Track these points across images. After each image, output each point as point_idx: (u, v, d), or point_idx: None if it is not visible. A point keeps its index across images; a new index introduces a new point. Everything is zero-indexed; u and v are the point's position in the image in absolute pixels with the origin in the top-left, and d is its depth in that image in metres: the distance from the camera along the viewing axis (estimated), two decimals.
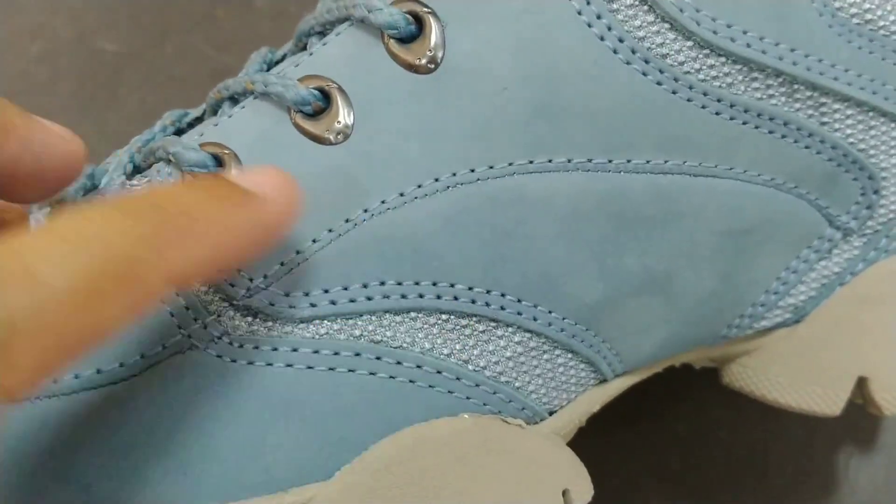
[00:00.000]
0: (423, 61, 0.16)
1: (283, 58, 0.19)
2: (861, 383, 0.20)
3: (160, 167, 0.17)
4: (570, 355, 0.18)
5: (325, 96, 0.16)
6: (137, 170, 0.18)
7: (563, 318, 0.17)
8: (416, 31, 0.16)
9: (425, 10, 0.16)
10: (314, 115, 0.16)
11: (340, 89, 0.16)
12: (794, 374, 0.20)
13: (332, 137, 0.16)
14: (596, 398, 0.19)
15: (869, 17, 0.18)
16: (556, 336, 0.18)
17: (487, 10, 0.16)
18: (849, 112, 0.18)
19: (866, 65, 0.18)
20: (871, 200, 0.19)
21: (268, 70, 0.18)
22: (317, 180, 0.16)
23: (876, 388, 0.20)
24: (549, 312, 0.17)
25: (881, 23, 0.18)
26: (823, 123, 0.18)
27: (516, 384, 0.18)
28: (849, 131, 0.18)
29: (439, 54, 0.16)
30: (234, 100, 0.18)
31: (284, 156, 0.16)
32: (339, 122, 0.16)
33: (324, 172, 0.16)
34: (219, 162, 0.16)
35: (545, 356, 0.18)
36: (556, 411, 0.19)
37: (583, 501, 0.18)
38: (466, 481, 0.17)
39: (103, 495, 0.15)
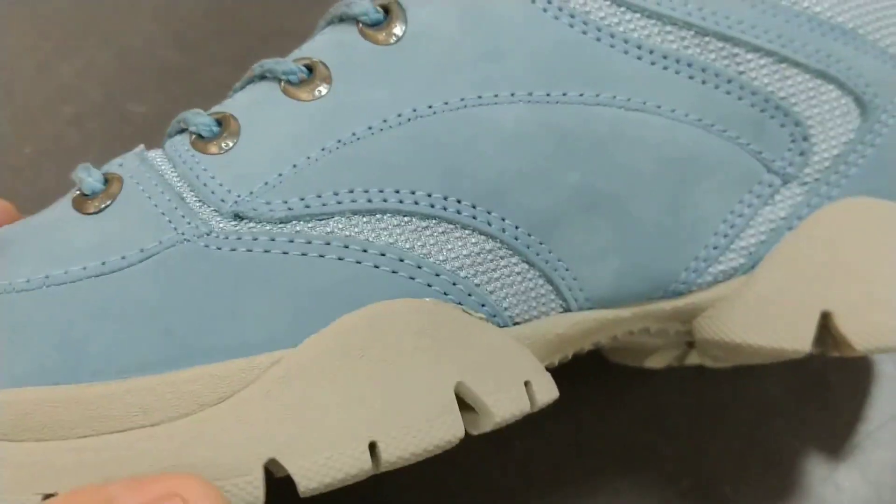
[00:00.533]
0: (390, 39, 0.20)
1: None
2: (826, 319, 0.21)
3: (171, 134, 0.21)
4: (526, 265, 0.19)
5: (310, 70, 0.20)
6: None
7: (516, 227, 0.19)
8: (383, 17, 0.21)
9: (392, 2, 0.21)
10: (299, 83, 0.20)
11: (322, 63, 0.20)
12: (759, 315, 0.21)
13: (311, 98, 0.20)
14: (561, 323, 0.19)
15: None
16: (510, 242, 0.19)
17: None
18: (762, 62, 0.21)
19: (772, 25, 0.21)
20: (803, 147, 0.21)
21: None
22: (295, 123, 0.19)
23: (841, 321, 0.21)
24: (502, 219, 0.19)
25: None
26: (740, 73, 0.20)
27: (475, 281, 0.19)
28: (766, 80, 0.21)
29: (401, 30, 0.20)
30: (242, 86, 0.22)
31: (271, 111, 0.20)
32: (319, 89, 0.20)
33: (303, 118, 0.19)
34: (220, 123, 0.20)
35: (502, 261, 0.19)
36: (520, 323, 0.19)
37: (546, 397, 0.18)
38: (424, 353, 0.17)
39: (93, 359, 0.16)
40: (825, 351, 0.22)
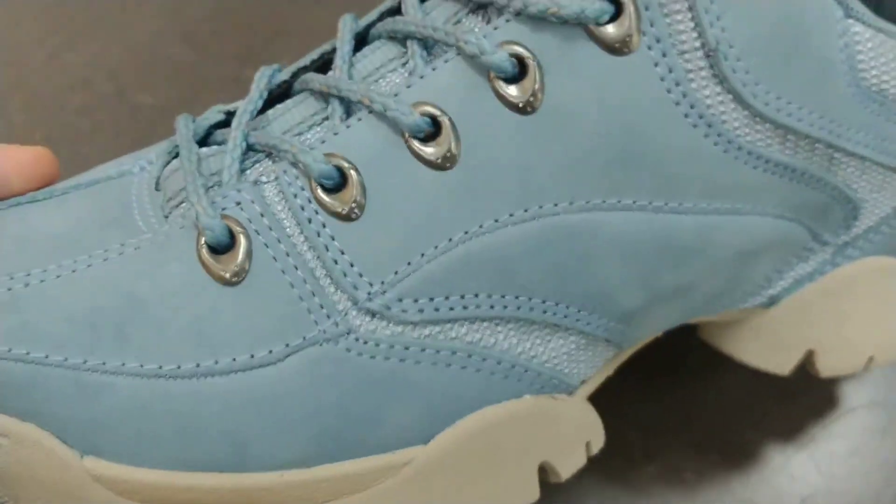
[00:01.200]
0: (523, 103, 0.19)
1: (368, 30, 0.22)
2: (809, 354, 0.26)
3: (287, 168, 0.20)
4: (606, 344, 0.22)
5: (435, 123, 0.20)
6: (251, 147, 0.21)
7: (609, 321, 0.22)
8: (518, 73, 0.20)
9: (528, 56, 0.19)
10: (425, 139, 0.20)
11: (450, 120, 0.20)
12: (759, 341, 0.26)
13: (441, 163, 0.20)
14: (613, 363, 0.24)
15: (884, 87, 0.21)
16: (600, 334, 0.22)
17: (582, 66, 0.19)
18: (852, 163, 0.22)
19: (873, 125, 0.22)
20: (850, 223, 0.24)
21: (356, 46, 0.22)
22: (427, 201, 0.19)
23: (819, 359, 0.26)
24: (599, 318, 0.21)
25: (891, 91, 0.22)
26: (830, 171, 0.22)
27: (565, 370, 0.22)
28: (849, 177, 0.22)
29: (539, 98, 0.19)
30: (343, 101, 0.21)
31: (400, 175, 0.20)
32: (448, 151, 0.20)
33: (433, 195, 0.20)
34: (342, 175, 0.20)
35: (590, 349, 0.22)
36: (586, 380, 0.23)
37: (597, 447, 0.24)
38: (519, 445, 0.21)
39: (256, 453, 0.19)
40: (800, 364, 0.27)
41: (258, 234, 0.19)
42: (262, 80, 0.23)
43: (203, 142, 0.23)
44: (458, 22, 0.21)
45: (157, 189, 0.21)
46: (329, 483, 0.19)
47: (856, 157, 0.22)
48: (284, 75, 0.23)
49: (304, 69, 0.23)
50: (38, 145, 0.35)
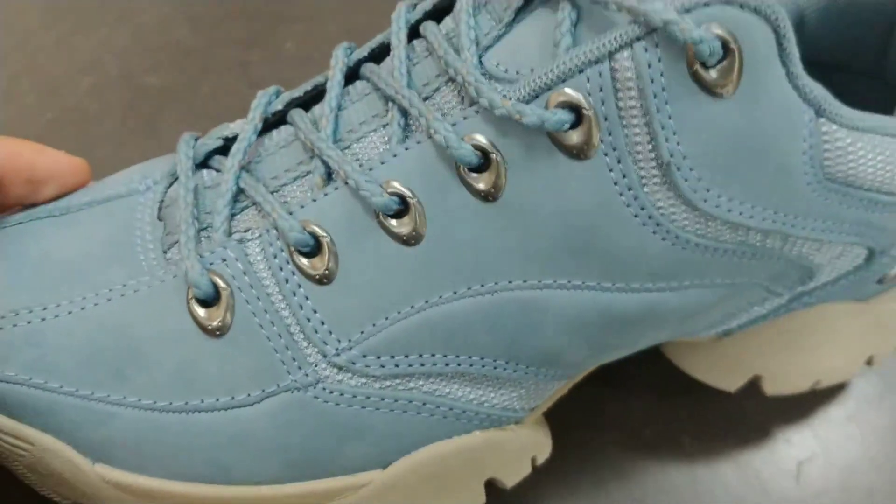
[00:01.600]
0: (485, 192, 0.21)
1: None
2: (756, 378, 0.29)
3: (269, 227, 0.22)
4: (556, 382, 0.25)
5: (404, 202, 0.21)
6: (242, 191, 0.23)
7: (557, 370, 0.24)
8: (482, 164, 0.21)
9: (492, 152, 0.21)
10: (395, 215, 0.21)
11: (419, 201, 0.21)
12: (710, 364, 0.29)
13: (407, 239, 0.21)
14: (567, 385, 0.26)
15: (850, 178, 0.22)
16: (549, 380, 0.24)
17: (541, 166, 0.21)
18: (808, 242, 0.23)
19: (832, 212, 0.22)
20: (807, 282, 0.25)
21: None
22: (393, 272, 0.21)
23: (765, 383, 0.29)
24: (548, 370, 0.24)
25: (858, 181, 0.22)
26: (784, 249, 0.23)
27: (515, 408, 0.24)
28: (804, 251, 0.23)
29: (500, 189, 0.21)
30: (323, 162, 0.22)
31: (370, 247, 0.21)
32: (414, 230, 0.21)
33: (399, 267, 0.21)
34: (317, 241, 0.22)
35: (539, 389, 0.25)
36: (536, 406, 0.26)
37: (543, 459, 0.27)
38: (470, 471, 0.25)
39: (238, 475, 0.22)
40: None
41: (240, 290, 0.22)
42: (257, 110, 0.24)
43: (204, 161, 0.25)
44: (438, 89, 0.22)
45: (158, 219, 0.24)
46: (298, 497, 0.23)
47: (812, 239, 0.23)
48: (279, 105, 0.24)
49: (297, 99, 0.24)
50: (49, 125, 0.39)
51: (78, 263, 0.23)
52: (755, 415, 0.30)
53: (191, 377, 0.22)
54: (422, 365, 0.22)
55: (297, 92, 0.24)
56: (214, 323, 0.22)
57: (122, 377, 0.22)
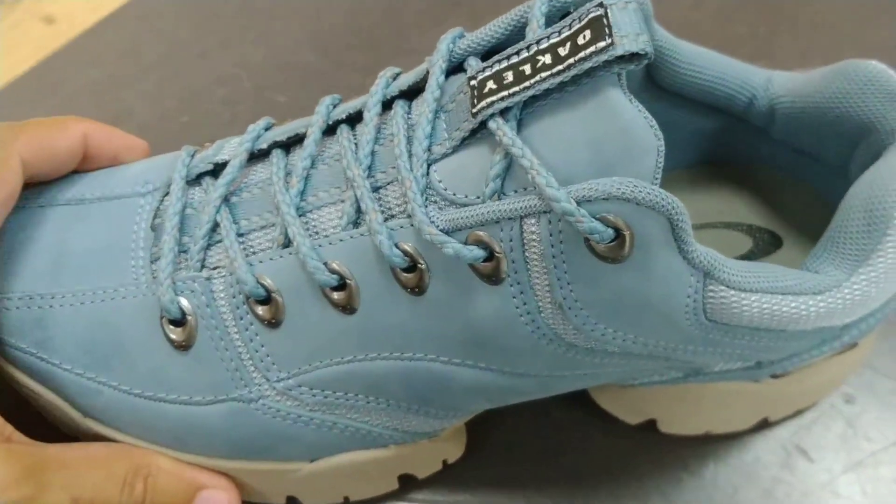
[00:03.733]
0: (411, 288, 0.24)
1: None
2: (651, 421, 0.33)
3: (231, 272, 0.26)
4: (471, 413, 0.29)
5: (343, 280, 0.25)
6: (217, 224, 0.27)
7: (467, 414, 0.28)
8: (410, 266, 0.24)
9: (420, 261, 0.24)
10: (335, 288, 0.25)
11: (356, 283, 0.25)
12: (615, 400, 0.32)
13: (343, 309, 0.25)
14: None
15: (730, 322, 0.24)
16: (460, 418, 0.29)
17: (458, 280, 0.24)
18: (692, 357, 0.26)
19: (714, 342, 0.25)
20: (699, 373, 0.28)
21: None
22: (329, 332, 0.26)
23: (660, 425, 0.33)
24: (456, 414, 0.28)
25: (744, 322, 0.25)
26: (669, 360, 0.26)
27: (429, 431, 0.29)
28: (691, 359, 0.26)
29: (424, 289, 0.24)
30: (285, 228, 0.26)
31: (311, 309, 0.26)
32: (349, 304, 0.25)
33: (334, 329, 0.26)
34: (269, 294, 0.26)
35: (453, 421, 0.29)
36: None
37: (455, 459, 0.32)
38: (381, 472, 0.30)
39: (196, 447, 0.28)
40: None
41: (202, 318, 0.26)
42: (244, 146, 0.27)
43: (197, 178, 0.28)
44: (391, 182, 0.25)
45: (151, 229, 0.28)
46: (242, 471, 0.28)
47: (697, 357, 0.26)
48: (263, 144, 0.27)
49: (280, 142, 0.27)
50: (184, 127, 0.45)
51: (84, 260, 0.27)
52: (806, 465, 0.33)
53: (160, 377, 0.27)
54: (346, 399, 0.27)
55: (282, 136, 0.27)
56: (180, 340, 0.26)
57: (108, 365, 0.27)
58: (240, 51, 0.49)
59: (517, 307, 0.24)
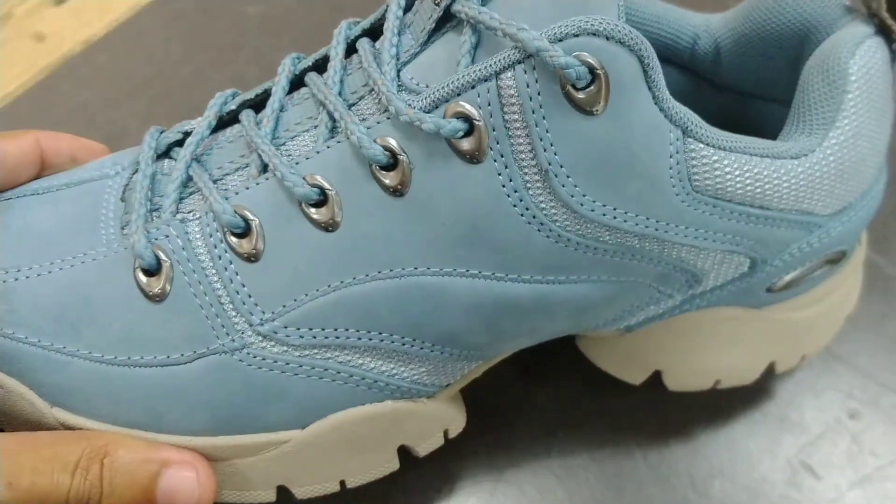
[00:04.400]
0: (393, 188, 0.24)
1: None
2: (656, 373, 0.32)
3: (208, 210, 0.25)
4: (465, 362, 0.28)
5: (324, 194, 0.24)
6: (190, 178, 0.27)
7: (462, 351, 0.27)
8: (391, 164, 0.24)
9: (399, 153, 0.24)
10: (315, 205, 0.25)
11: (336, 194, 0.24)
12: (616, 357, 0.32)
13: (325, 226, 0.24)
14: (482, 367, 0.29)
15: (719, 192, 0.24)
16: (455, 359, 0.27)
17: (440, 167, 0.24)
18: (685, 249, 0.26)
19: (704, 222, 0.25)
20: (693, 285, 0.28)
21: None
22: (312, 255, 0.25)
23: (666, 378, 0.32)
24: (452, 349, 0.27)
25: (727, 194, 0.25)
26: (663, 253, 0.26)
27: (426, 382, 0.27)
28: (685, 257, 0.26)
29: (406, 186, 0.24)
30: (260, 158, 0.25)
31: (292, 232, 0.25)
32: (331, 218, 0.24)
33: (317, 251, 0.25)
34: (247, 224, 0.25)
35: (448, 366, 0.27)
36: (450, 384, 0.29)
37: (457, 431, 0.30)
38: (381, 434, 0.28)
39: (170, 424, 0.25)
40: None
41: (179, 263, 0.25)
42: (213, 109, 0.28)
43: (166, 152, 0.28)
44: (362, 97, 0.25)
45: (121, 200, 0.27)
46: (226, 449, 0.26)
47: (687, 245, 0.26)
48: (233, 106, 0.28)
49: (250, 101, 0.28)
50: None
51: (50, 234, 0.26)
52: (812, 480, 0.32)
53: (133, 337, 0.25)
54: (336, 338, 0.25)
55: (250, 95, 0.28)
56: (155, 290, 0.25)
57: (77, 332, 0.25)
58: (232, 69, 0.49)
59: (503, 185, 0.23)
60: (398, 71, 0.25)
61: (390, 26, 0.25)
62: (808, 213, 0.26)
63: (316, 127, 0.25)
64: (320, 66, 0.27)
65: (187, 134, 0.28)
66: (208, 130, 0.27)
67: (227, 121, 0.28)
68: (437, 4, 0.24)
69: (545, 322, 0.27)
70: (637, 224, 0.24)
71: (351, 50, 0.27)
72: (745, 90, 0.32)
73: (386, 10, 0.26)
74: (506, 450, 0.33)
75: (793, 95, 0.30)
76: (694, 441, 0.33)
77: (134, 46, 0.51)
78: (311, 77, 0.26)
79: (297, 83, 0.28)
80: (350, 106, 0.25)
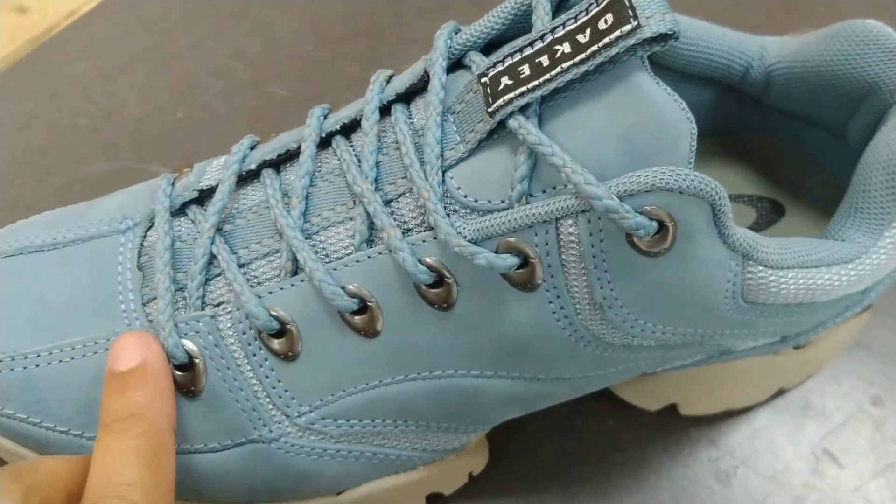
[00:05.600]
0: (439, 304, 0.23)
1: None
2: (673, 405, 0.32)
3: (239, 307, 0.24)
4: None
5: (364, 303, 0.23)
6: (214, 256, 0.25)
7: (496, 426, 0.27)
8: (437, 282, 0.23)
9: (447, 277, 0.23)
10: (355, 313, 0.23)
11: (377, 304, 0.23)
12: (636, 389, 0.32)
13: (365, 333, 0.24)
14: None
15: (768, 301, 0.24)
16: (488, 429, 0.27)
17: (490, 292, 0.23)
18: (724, 338, 0.25)
19: (747, 323, 0.25)
20: (724, 353, 0.28)
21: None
22: (351, 359, 0.24)
23: (682, 408, 0.32)
24: (485, 426, 0.27)
25: (779, 302, 0.24)
26: (703, 344, 0.25)
27: (456, 446, 0.28)
28: (723, 342, 0.26)
29: (452, 304, 0.23)
30: (292, 251, 0.24)
31: (331, 337, 0.24)
32: (372, 327, 0.24)
33: (357, 355, 0.24)
34: (283, 325, 0.24)
35: (480, 432, 0.28)
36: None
37: (479, 470, 0.31)
38: (416, 489, 0.28)
39: (210, 498, 0.26)
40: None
41: (212, 360, 0.24)
42: (231, 168, 0.25)
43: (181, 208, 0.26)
44: (402, 195, 0.23)
45: (138, 268, 0.25)
46: None
47: (729, 340, 0.25)
48: (251, 165, 0.25)
49: (270, 161, 0.25)
50: (180, 123, 0.41)
51: (68, 310, 0.25)
52: (836, 470, 0.32)
53: (178, 430, 0.25)
54: (373, 427, 0.25)
55: (271, 154, 0.26)
56: (189, 386, 0.24)
57: None
58: (234, 41, 0.46)
59: (553, 312, 0.23)
60: (443, 172, 0.23)
61: (432, 114, 0.23)
62: (849, 296, 0.26)
63: (351, 220, 0.24)
64: (348, 128, 0.25)
65: (203, 192, 0.26)
66: (229, 195, 0.25)
67: (246, 176, 0.26)
68: (491, 116, 0.21)
69: (573, 404, 0.27)
70: (685, 336, 0.24)
71: (385, 109, 0.25)
72: (791, 112, 0.30)
73: (427, 87, 0.24)
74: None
75: (841, 130, 0.29)
76: (716, 430, 0.34)
77: (130, 17, 0.47)
78: (342, 150, 0.24)
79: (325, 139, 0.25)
80: (388, 202, 0.23)
